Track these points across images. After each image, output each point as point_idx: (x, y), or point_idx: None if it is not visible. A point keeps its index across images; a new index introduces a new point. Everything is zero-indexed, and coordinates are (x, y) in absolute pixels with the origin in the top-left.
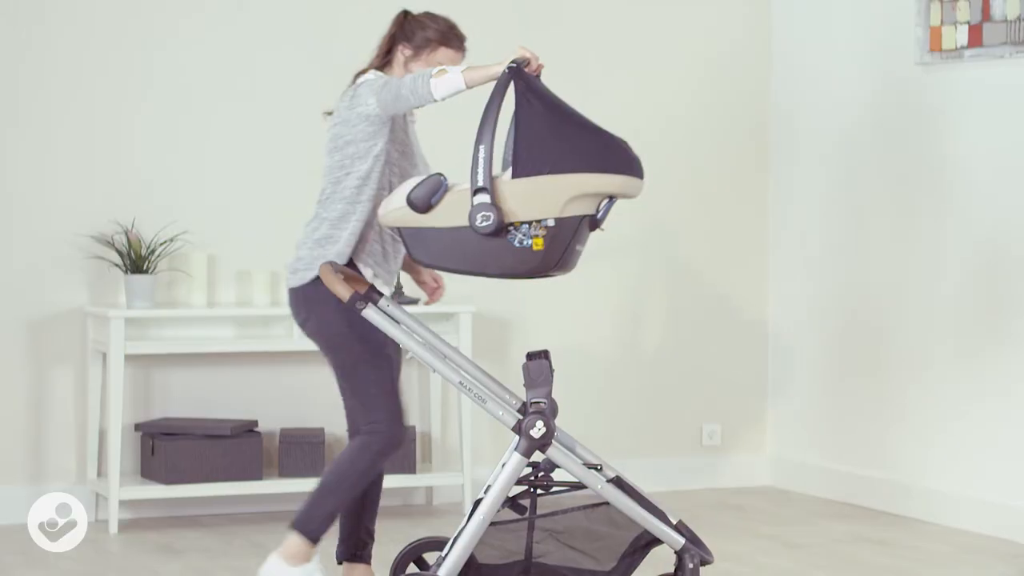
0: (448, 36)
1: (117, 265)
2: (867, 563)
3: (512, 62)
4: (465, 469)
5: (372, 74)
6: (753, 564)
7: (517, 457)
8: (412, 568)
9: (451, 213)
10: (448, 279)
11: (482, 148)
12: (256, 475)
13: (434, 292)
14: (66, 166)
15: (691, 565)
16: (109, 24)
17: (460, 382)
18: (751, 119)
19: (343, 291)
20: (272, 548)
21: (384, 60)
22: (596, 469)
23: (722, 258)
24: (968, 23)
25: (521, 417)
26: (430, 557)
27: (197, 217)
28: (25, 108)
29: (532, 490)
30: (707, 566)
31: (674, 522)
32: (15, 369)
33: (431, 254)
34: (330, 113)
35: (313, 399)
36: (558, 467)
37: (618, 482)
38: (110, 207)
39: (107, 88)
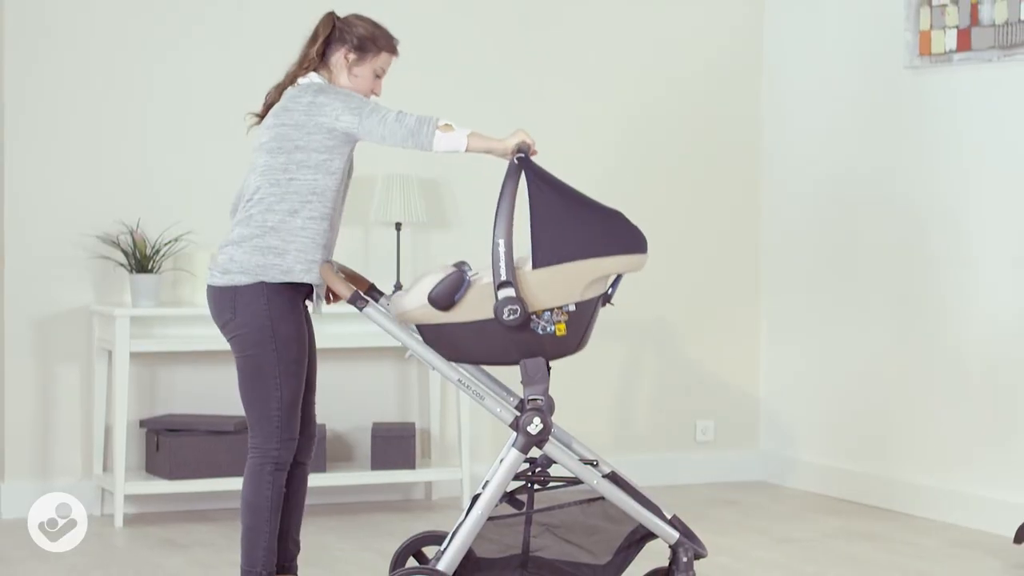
0: (390, 41)
1: (122, 265)
2: (858, 557)
3: (519, 153)
4: (464, 465)
5: (317, 77)
6: (746, 558)
7: (515, 453)
8: (412, 562)
9: (475, 308)
10: None
11: (502, 243)
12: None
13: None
14: (73, 168)
15: (685, 559)
16: (115, 30)
17: (459, 380)
18: (743, 121)
19: (344, 289)
20: None
21: (321, 63)
22: (592, 465)
23: (715, 261)
24: (957, 27)
25: (519, 414)
26: (429, 551)
27: (200, 218)
28: (33, 112)
29: (529, 485)
30: (701, 560)
31: (668, 517)
32: (23, 366)
33: (456, 350)
34: (258, 115)
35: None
36: (555, 463)
37: (613, 477)
38: (116, 208)
39: (113, 92)
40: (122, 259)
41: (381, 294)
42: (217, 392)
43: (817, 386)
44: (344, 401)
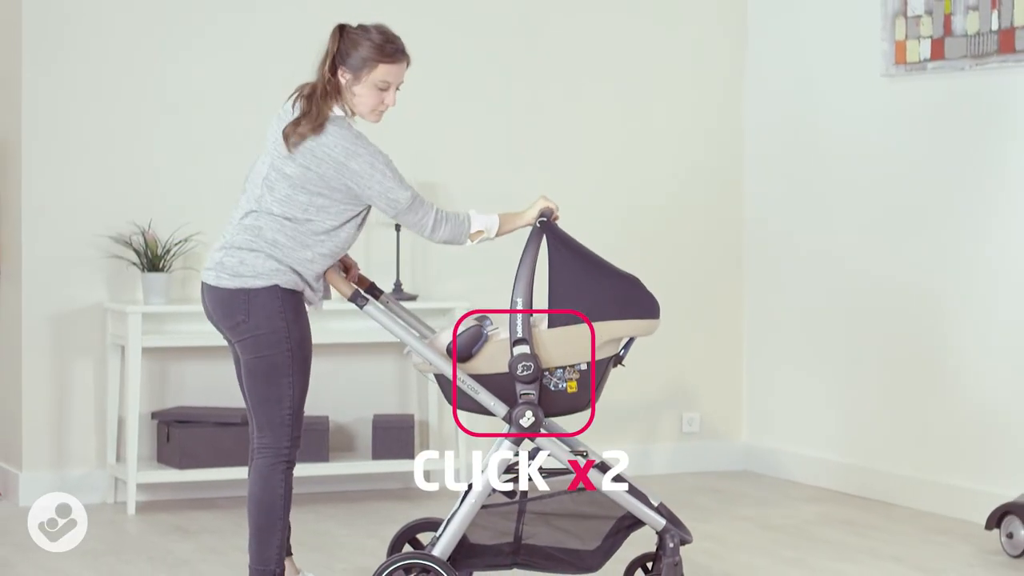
0: (383, 49)
1: (135, 264)
2: (837, 543)
3: (541, 216)
4: (460, 454)
5: (339, 110)
6: (730, 544)
7: (507, 444)
8: (408, 548)
9: (491, 361)
10: (446, 275)
11: (520, 301)
12: None
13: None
14: (87, 173)
15: (671, 544)
16: (128, 42)
17: (460, 379)
18: (728, 127)
19: (345, 288)
20: None
21: (336, 83)
22: (582, 456)
23: (699, 264)
24: (931, 38)
25: (511, 407)
26: (425, 538)
27: (209, 219)
28: (50, 119)
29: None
30: (686, 545)
31: (655, 504)
32: (40, 361)
33: (471, 400)
34: (291, 138)
35: (317, 388)
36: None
37: (601, 467)
38: (128, 210)
39: (125, 100)
40: (134, 259)
41: (381, 292)
42: (225, 385)
43: (797, 381)
44: (346, 394)
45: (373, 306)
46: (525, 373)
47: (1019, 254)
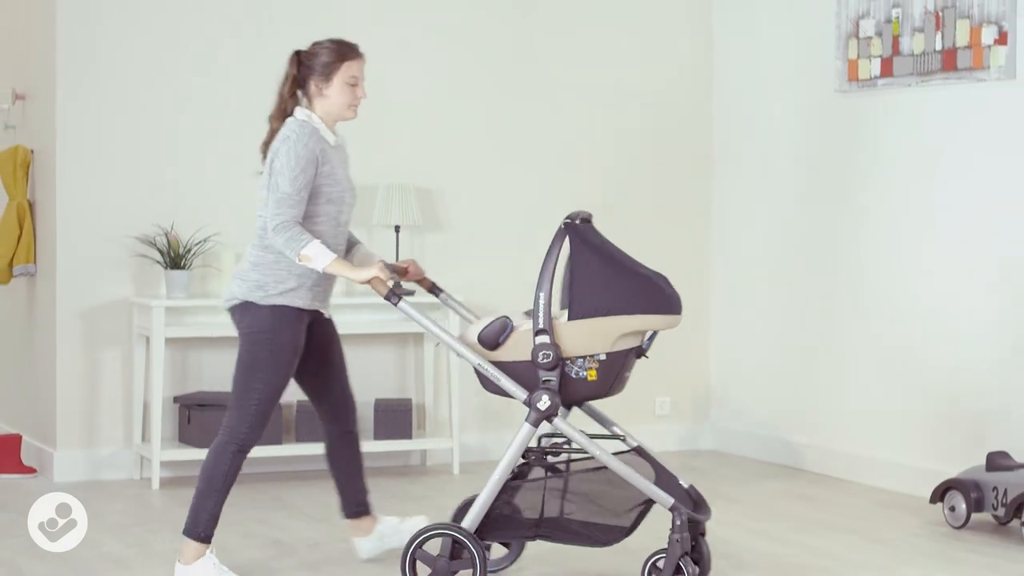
0: (341, 50)
1: (158, 262)
2: (795, 515)
3: (567, 217)
4: (454, 435)
5: (301, 114)
6: None
7: (527, 426)
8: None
9: (516, 350)
10: (442, 271)
11: (542, 295)
12: (277, 440)
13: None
14: (116, 179)
15: (678, 521)
16: (152, 58)
17: (479, 364)
18: (695, 137)
19: (382, 288)
20: (288, 503)
21: (294, 102)
22: (621, 439)
23: (670, 259)
24: (880, 57)
25: (530, 392)
26: None
27: (226, 221)
28: (81, 130)
29: (544, 456)
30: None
31: (685, 485)
32: (72, 351)
33: (495, 385)
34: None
35: None
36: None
37: (639, 451)
38: (152, 213)
39: (151, 113)
40: (158, 257)
41: (441, 290)
42: None
43: (761, 367)
44: (350, 380)
45: (406, 303)
46: (545, 361)
47: (955, 248)
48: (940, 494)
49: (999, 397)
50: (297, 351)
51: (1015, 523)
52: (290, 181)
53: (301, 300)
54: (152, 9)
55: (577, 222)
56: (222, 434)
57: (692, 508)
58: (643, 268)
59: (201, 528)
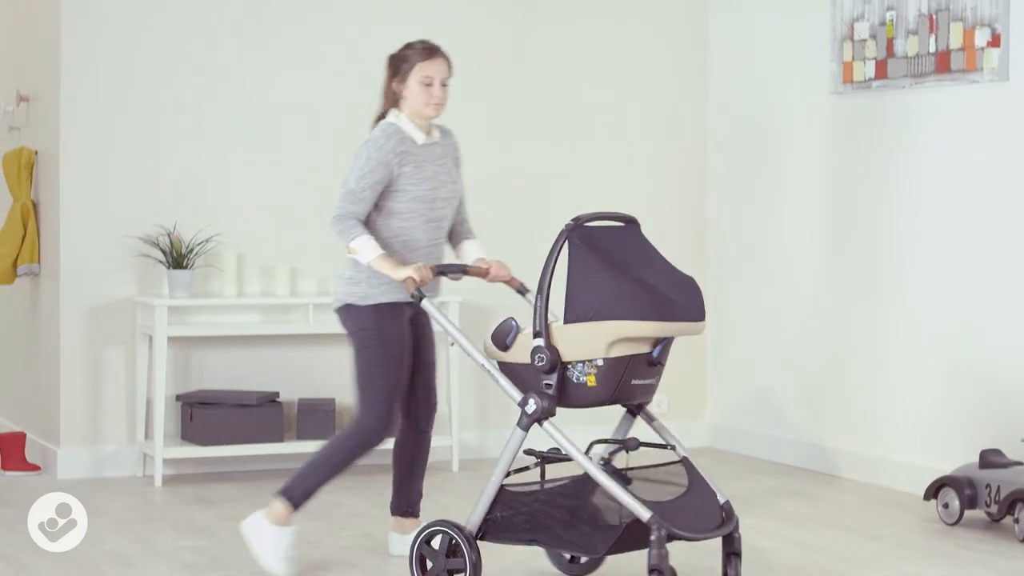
0: (418, 52)
1: (161, 262)
2: (791, 512)
3: (571, 220)
4: (454, 433)
5: (392, 116)
6: None
7: (518, 431)
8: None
9: (522, 352)
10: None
11: (539, 298)
12: (278, 438)
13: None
14: (119, 180)
15: (654, 536)
16: (154, 60)
17: (482, 364)
18: (691, 139)
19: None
20: None
21: (388, 104)
22: (671, 449)
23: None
24: (875, 59)
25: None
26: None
27: (228, 221)
28: (85, 131)
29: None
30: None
31: (722, 501)
32: (76, 349)
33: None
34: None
35: (326, 374)
36: (642, 445)
37: (685, 463)
38: (155, 213)
39: (153, 114)
40: (161, 257)
41: (528, 290)
42: (242, 371)
43: (756, 367)
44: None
45: (428, 302)
46: (540, 364)
47: (946, 248)
48: (934, 491)
49: (997, 395)
50: (405, 341)
51: (1008, 520)
52: (357, 179)
53: (396, 294)
54: (154, 11)
55: (582, 224)
56: (351, 426)
57: (719, 525)
58: (653, 273)
59: (296, 494)
